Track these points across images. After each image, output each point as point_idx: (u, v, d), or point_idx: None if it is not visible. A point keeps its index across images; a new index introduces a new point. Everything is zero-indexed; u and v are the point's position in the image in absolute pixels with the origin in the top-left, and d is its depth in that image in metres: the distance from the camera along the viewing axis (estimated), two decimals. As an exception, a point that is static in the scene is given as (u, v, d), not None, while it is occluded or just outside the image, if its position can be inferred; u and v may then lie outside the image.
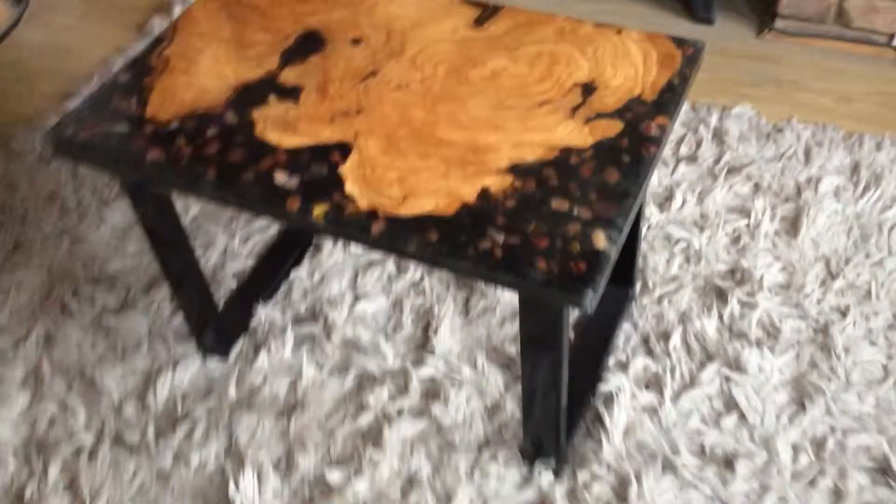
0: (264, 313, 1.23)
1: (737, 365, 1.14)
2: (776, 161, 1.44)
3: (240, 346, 1.20)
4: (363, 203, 0.79)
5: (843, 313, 1.19)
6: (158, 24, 1.78)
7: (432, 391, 1.13)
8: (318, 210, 0.80)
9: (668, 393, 1.11)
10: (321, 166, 0.83)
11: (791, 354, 1.15)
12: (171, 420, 1.13)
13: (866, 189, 1.36)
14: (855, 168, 1.41)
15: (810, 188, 1.38)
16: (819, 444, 1.05)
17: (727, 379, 1.13)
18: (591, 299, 0.72)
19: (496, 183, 0.80)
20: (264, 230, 1.37)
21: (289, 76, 0.94)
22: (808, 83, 1.63)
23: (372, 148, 0.85)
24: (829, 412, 1.08)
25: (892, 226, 1.30)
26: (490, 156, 0.83)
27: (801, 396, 1.11)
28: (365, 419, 1.10)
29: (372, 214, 0.78)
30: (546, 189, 0.79)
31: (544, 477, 1.02)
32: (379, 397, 1.12)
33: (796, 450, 1.04)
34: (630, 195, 0.79)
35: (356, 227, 0.78)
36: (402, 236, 0.77)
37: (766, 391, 1.11)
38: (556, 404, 0.94)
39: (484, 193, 0.79)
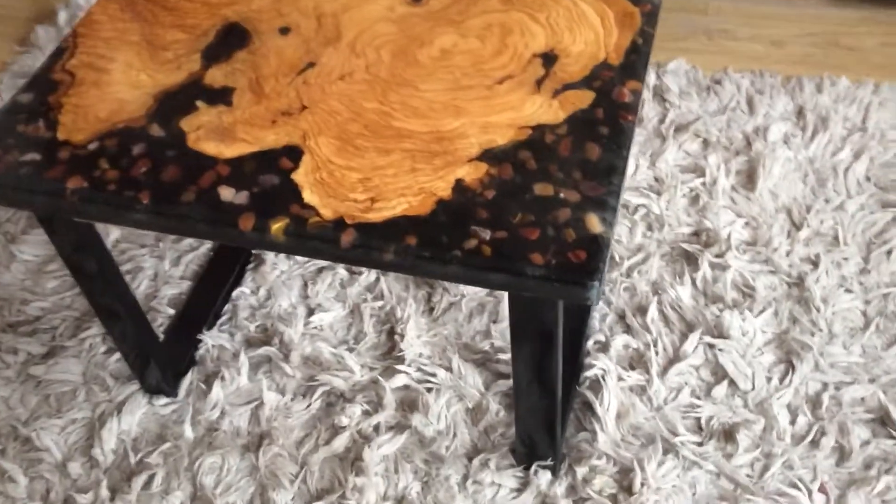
0: (211, 340, 1.13)
1: (718, 331, 1.11)
2: (721, 114, 1.41)
3: (189, 379, 1.10)
4: (327, 212, 0.71)
5: (815, 263, 1.17)
6: (44, 35, 1.63)
7: (408, 401, 1.06)
8: (277, 226, 0.71)
9: (654, 370, 1.06)
10: (271, 176, 0.74)
11: (770, 312, 1.12)
12: (125, 473, 1.03)
13: (815, 133, 1.35)
14: (800, 113, 1.39)
15: (759, 138, 1.36)
16: (814, 403, 1.03)
17: (710, 346, 1.09)
18: (596, 290, 0.66)
19: (470, 173, 0.73)
20: (196, 248, 1.27)
21: (215, 77, 0.84)
22: (737, 31, 1.62)
23: (324, 149, 0.76)
24: (817, 367, 1.06)
25: (847, 167, 1.29)
26: (458, 143, 0.76)
27: (788, 354, 1.08)
28: (340, 442, 1.02)
29: (339, 224, 0.70)
30: (525, 174, 0.73)
31: (542, 477, 0.97)
32: (352, 416, 1.05)
33: (793, 411, 1.02)
34: (616, 170, 0.73)
35: (322, 240, 0.70)
36: (376, 245, 0.69)
37: (751, 354, 1.08)
38: (551, 401, 0.88)
39: (459, 186, 0.72)
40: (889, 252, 1.17)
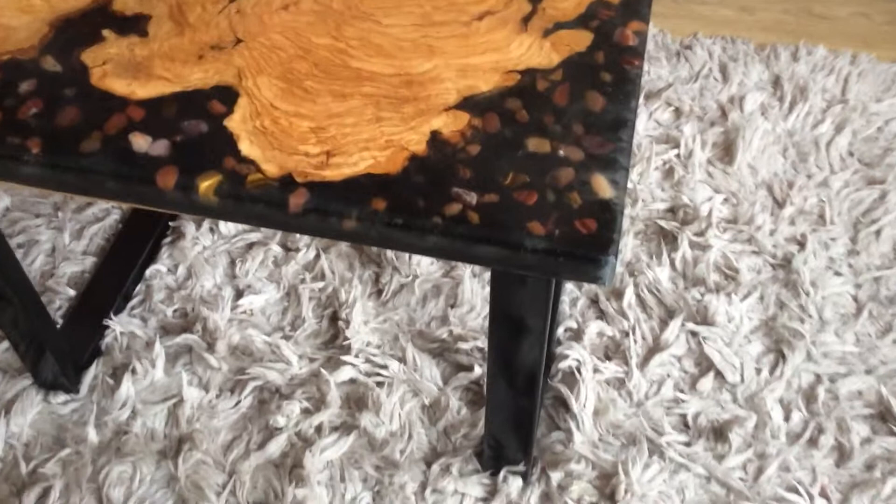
0: (120, 327, 0.98)
1: (701, 317, 1.02)
2: (693, 81, 1.32)
3: (93, 373, 0.95)
4: (271, 168, 0.58)
5: (801, 244, 1.09)
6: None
7: (355, 397, 0.93)
8: (206, 184, 0.57)
9: (633, 361, 0.96)
10: (198, 122, 0.60)
11: (755, 297, 1.04)
12: (15, 485, 0.87)
13: (793, 104, 1.27)
14: (776, 82, 1.31)
15: (735, 108, 1.27)
16: (809, 397, 0.94)
17: (693, 334, 1.00)
18: (611, 268, 0.54)
19: (448, 124, 0.61)
20: (102, 218, 1.11)
21: (127, 2, 0.69)
22: (705, -5, 1.53)
23: (266, 91, 0.63)
24: (810, 357, 0.98)
25: (829, 141, 1.22)
26: (432, 89, 0.63)
27: (777, 343, 1.00)
28: (276, 445, 0.89)
29: (286, 182, 0.57)
30: (516, 126, 0.61)
31: (512, 484, 0.86)
32: (289, 415, 0.91)
33: (786, 406, 0.93)
34: (625, 123, 0.61)
35: (267, 202, 0.57)
36: (335, 209, 0.56)
37: (738, 342, 0.99)
38: (530, 397, 0.77)
39: (435, 140, 0.60)
40: (878, 232, 1.10)
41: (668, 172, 1.18)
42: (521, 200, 0.56)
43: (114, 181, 0.58)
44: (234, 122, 0.60)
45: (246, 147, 0.59)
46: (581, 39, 0.67)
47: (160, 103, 0.62)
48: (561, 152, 0.59)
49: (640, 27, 0.68)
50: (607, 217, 0.55)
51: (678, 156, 1.20)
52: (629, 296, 1.03)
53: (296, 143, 0.59)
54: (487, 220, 0.55)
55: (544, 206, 0.56)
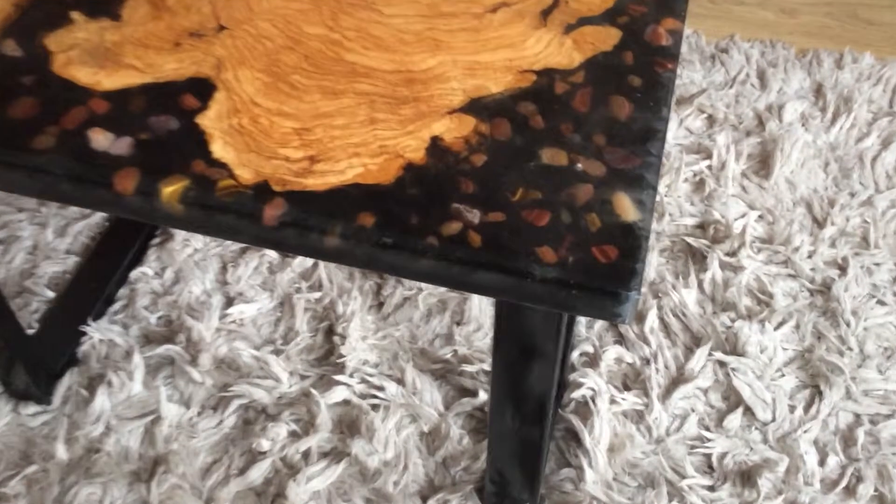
0: (98, 333, 0.92)
1: (731, 346, 0.94)
2: (728, 87, 1.24)
3: (66, 383, 0.89)
4: (245, 173, 0.51)
5: (842, 268, 1.01)
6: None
7: (348, 421, 0.87)
8: (170, 189, 0.51)
9: (654, 392, 0.89)
10: (167, 117, 0.54)
11: (790, 325, 0.96)
12: (-29, 505, 0.81)
13: (836, 115, 1.19)
14: (818, 91, 1.23)
15: (773, 117, 1.19)
16: (847, 439, 0.86)
17: (721, 364, 0.92)
18: (633, 304, 0.47)
19: (451, 129, 0.54)
20: (89, 213, 1.05)
21: (101, -18, 0.63)
22: (744, -5, 1.45)
23: (247, 85, 0.56)
24: (849, 395, 0.90)
25: (875, 156, 1.14)
26: (435, 88, 0.56)
27: (814, 378, 0.92)
28: (258, 472, 0.82)
29: (262, 190, 0.50)
30: (529, 134, 0.54)
31: (514, 526, 0.79)
32: (275, 438, 0.85)
33: (822, 449, 0.86)
34: (655, 135, 0.54)
35: (237, 213, 0.50)
36: (315, 223, 0.49)
37: (770, 375, 0.92)
38: (537, 429, 0.70)
39: (436, 147, 0.53)
40: (927, 258, 1.02)
41: (699, 185, 1.11)
42: (530, 221, 0.49)
43: (68, 183, 0.52)
44: (207, 120, 0.54)
45: (219, 148, 0.52)
46: (607, 37, 0.60)
47: (127, 96, 0.55)
48: (579, 166, 0.52)
49: (674, 25, 0.61)
50: (630, 244, 0.48)
51: (710, 167, 1.13)
52: (652, 319, 0.95)
53: (276, 145, 0.52)
54: (491, 242, 0.48)
55: (557, 228, 0.49)
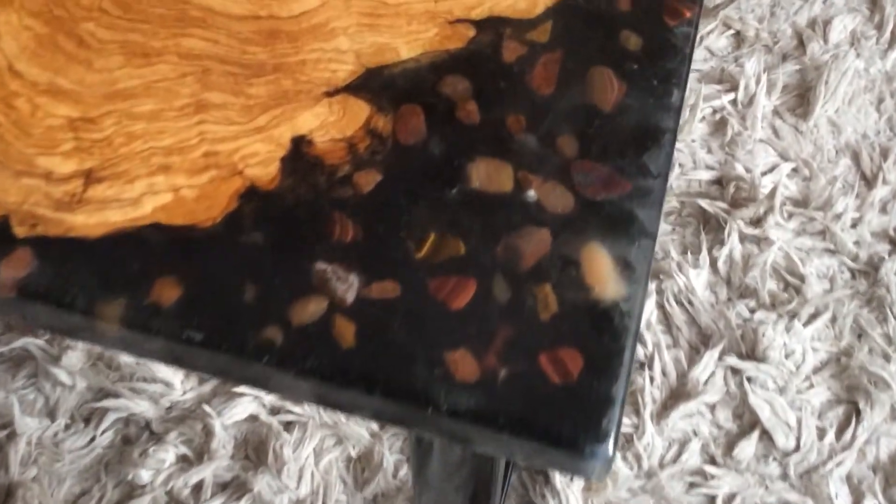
0: (-57, 317, 0.74)
1: (748, 346, 0.76)
2: (762, -5, 1.02)
3: None
4: (-31, 206, 0.32)
5: (894, 243, 0.82)
6: None
7: (254, 443, 0.70)
8: None
9: (647, 409, 0.72)
10: None
11: (825, 318, 0.78)
12: None
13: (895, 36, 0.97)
14: (874, 4, 1.01)
15: (817, 37, 0.97)
16: (889, 475, 0.70)
17: (735, 372, 0.75)
18: (604, 461, 0.29)
19: (329, 125, 0.34)
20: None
21: None
22: None
23: (7, 39, 0.36)
24: (895, 415, 0.73)
25: (943, 92, 0.93)
26: (310, 50, 0.36)
27: (851, 391, 0.74)
28: (135, 511, 0.66)
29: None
30: (454, 134, 0.34)
31: (458, 593, 0.63)
32: (159, 465, 0.68)
33: (856, 488, 0.69)
34: (658, 136, 0.35)
35: (-51, 278, 0.31)
36: (79, 295, 0.30)
37: (796, 387, 0.74)
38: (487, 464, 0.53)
39: (299, 156, 0.33)
40: None
41: (719, 126, 0.90)
42: (441, 298, 0.30)
43: None
44: (-70, 102, 0.34)
45: (-63, 156, 0.33)
46: (593, -36, 0.39)
47: None
48: (531, 194, 0.33)
49: (699, -54, 0.40)
50: (606, 346, 0.30)
51: (734, 102, 0.92)
52: (649, 310, 0.77)
53: (34, 149, 0.33)
54: (370, 338, 0.29)
55: (485, 312, 0.30)
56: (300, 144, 0.33)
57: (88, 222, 0.31)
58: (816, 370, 0.76)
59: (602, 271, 0.31)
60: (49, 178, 0.32)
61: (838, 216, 0.84)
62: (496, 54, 0.36)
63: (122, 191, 0.32)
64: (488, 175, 0.33)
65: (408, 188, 0.32)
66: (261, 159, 0.33)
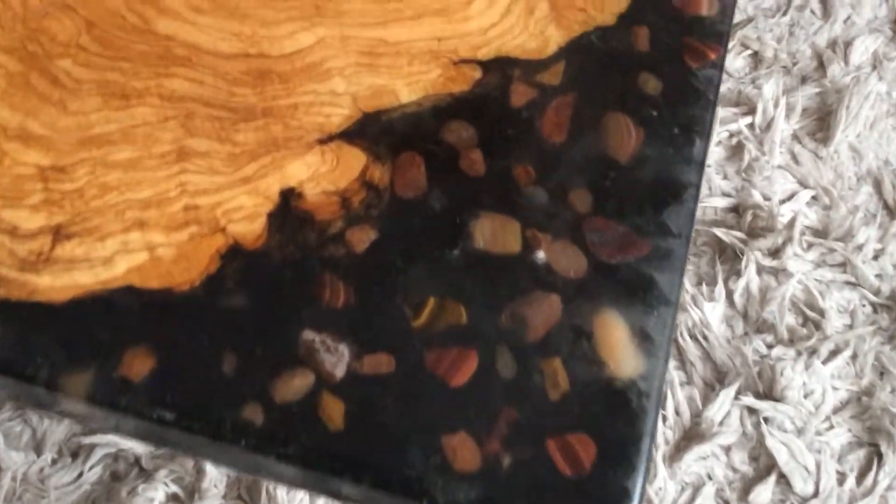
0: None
1: (765, 385, 0.73)
2: (780, 14, 0.99)
3: None
4: (-76, 265, 0.29)
5: (918, 276, 0.79)
6: None
7: (247, 482, 0.67)
8: None
9: (659, 451, 0.69)
10: None
11: (845, 355, 0.75)
12: None
13: (920, 57, 0.95)
14: (898, 22, 0.98)
15: (837, 58, 0.95)
16: (914, 527, 0.67)
17: (751, 412, 0.72)
18: (618, 561, 0.26)
19: (321, 176, 0.31)
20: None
21: None
22: None
23: (-22, 77, 0.34)
24: (919, 461, 0.70)
25: (968, 118, 0.90)
26: (303, 92, 0.33)
27: (872, 433, 0.71)
28: (121, 555, 0.64)
29: (-52, 304, 0.29)
30: (458, 186, 0.31)
31: None
32: (148, 502, 0.66)
33: (879, 541, 0.66)
34: (680, 191, 0.32)
35: None
36: (43, 366, 0.28)
37: (815, 428, 0.71)
38: None
39: (288, 211, 0.31)
40: None
41: (736, 151, 0.87)
42: (439, 374, 0.28)
43: None
44: None
45: None
46: (606, 1, 0.37)
47: None
48: (540, 255, 0.30)
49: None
50: (623, 430, 0.27)
51: (751, 126, 0.89)
52: (662, 344, 0.74)
53: (0, 201, 0.30)
54: (362, 420, 0.27)
55: (488, 391, 0.27)
56: (289, 197, 0.31)
57: (55, 284, 0.28)
58: (836, 410, 0.73)
59: (617, 344, 0.28)
60: (14, 233, 0.29)
61: (859, 247, 0.81)
62: (504, 98, 0.33)
63: (93, 249, 0.29)
64: (493, 233, 0.30)
65: (405, 247, 0.30)
66: (246, 214, 0.30)
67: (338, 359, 0.28)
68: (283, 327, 0.28)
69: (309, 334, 0.28)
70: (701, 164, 0.32)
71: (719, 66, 0.35)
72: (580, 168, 0.32)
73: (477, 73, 0.34)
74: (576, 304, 0.29)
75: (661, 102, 0.33)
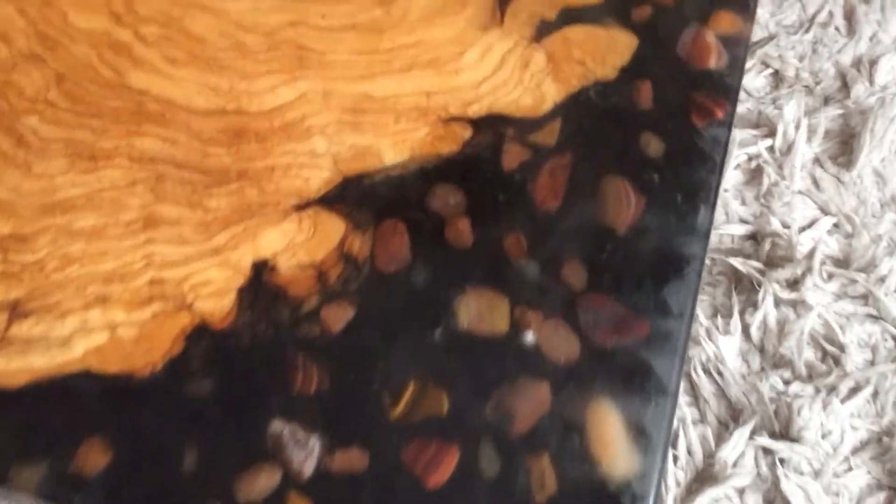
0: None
1: (782, 424, 0.71)
2: (803, 32, 0.96)
3: None
4: None
5: (944, 309, 0.76)
6: None
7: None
8: None
9: (671, 493, 0.67)
10: None
11: (866, 393, 0.72)
12: None
13: (949, 77, 0.91)
14: (926, 40, 0.95)
15: (862, 78, 0.92)
16: (937, 578, 0.64)
17: (767, 452, 0.69)
18: None
19: (296, 246, 0.30)
20: None
21: None
22: None
23: (-60, 135, 0.32)
24: (943, 507, 0.67)
25: None
26: (281, 152, 0.32)
27: (893, 476, 0.69)
28: None
29: None
30: (442, 259, 0.29)
31: None
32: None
33: (900, 593, 0.64)
34: (682, 265, 0.30)
35: None
36: (-13, 468, 0.26)
37: (833, 470, 0.69)
38: None
39: (259, 285, 0.29)
40: None
41: (755, 175, 0.85)
42: (416, 472, 0.26)
43: None
44: None
45: None
46: (610, 49, 0.34)
47: None
48: (529, 336, 0.28)
49: (734, 27, 0.36)
50: (610, 544, 0.25)
51: (771, 149, 0.86)
52: (675, 380, 0.72)
53: (-44, 275, 0.29)
54: (328, 526, 0.25)
55: (469, 491, 0.25)
56: (262, 271, 0.29)
57: (9, 368, 0.27)
58: (855, 451, 0.70)
59: (611, 439, 0.26)
60: (-32, 311, 0.28)
61: (882, 279, 0.78)
62: (495, 159, 0.31)
63: (51, 328, 0.27)
64: (479, 312, 0.28)
65: (385, 326, 0.28)
66: (215, 289, 0.28)
67: (307, 453, 0.26)
68: (250, 416, 0.26)
69: (278, 425, 0.26)
70: (705, 236, 0.30)
71: (727, 124, 0.32)
72: (575, 238, 0.30)
73: (467, 132, 0.32)
74: (567, 393, 0.27)
75: (663, 165, 0.31)
